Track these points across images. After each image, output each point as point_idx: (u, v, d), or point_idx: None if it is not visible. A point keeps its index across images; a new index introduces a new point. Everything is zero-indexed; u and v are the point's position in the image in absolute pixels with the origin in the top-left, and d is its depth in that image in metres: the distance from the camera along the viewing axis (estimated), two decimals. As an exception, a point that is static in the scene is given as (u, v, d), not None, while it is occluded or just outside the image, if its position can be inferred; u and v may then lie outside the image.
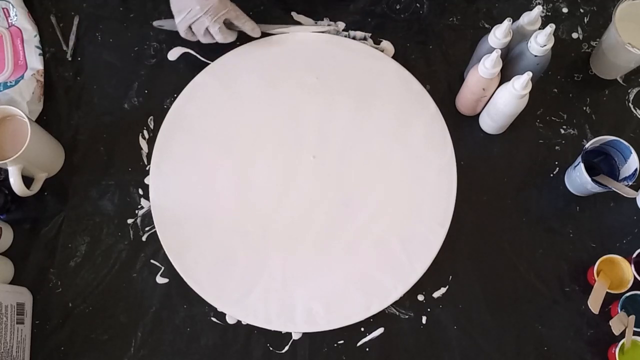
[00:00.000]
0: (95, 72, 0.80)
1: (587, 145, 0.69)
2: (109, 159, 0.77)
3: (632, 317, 0.66)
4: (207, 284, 0.71)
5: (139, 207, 0.75)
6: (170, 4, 0.73)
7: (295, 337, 0.70)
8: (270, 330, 0.70)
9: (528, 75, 0.65)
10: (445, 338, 0.70)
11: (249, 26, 0.76)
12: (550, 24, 0.65)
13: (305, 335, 0.70)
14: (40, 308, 0.71)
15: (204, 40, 0.75)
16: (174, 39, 0.81)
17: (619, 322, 0.66)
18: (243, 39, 0.80)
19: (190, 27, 0.73)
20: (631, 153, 0.68)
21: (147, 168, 0.76)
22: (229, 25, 0.75)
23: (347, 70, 0.78)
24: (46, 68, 0.79)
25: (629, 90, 0.79)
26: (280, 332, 0.70)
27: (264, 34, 0.79)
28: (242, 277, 0.71)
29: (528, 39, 0.68)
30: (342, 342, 0.70)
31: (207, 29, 0.73)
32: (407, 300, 0.71)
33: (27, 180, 0.72)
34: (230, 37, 0.75)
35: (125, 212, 0.74)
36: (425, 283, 0.71)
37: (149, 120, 0.78)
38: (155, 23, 0.80)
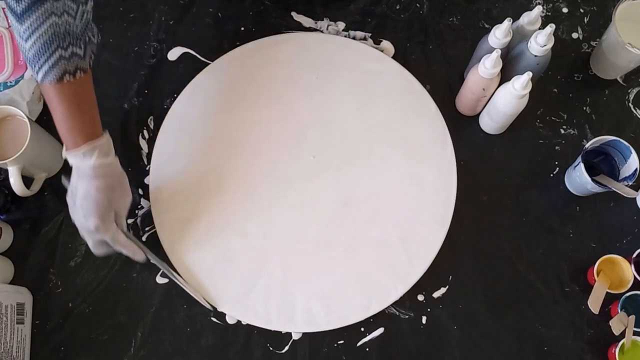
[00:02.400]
0: (95, 72, 0.79)
1: (587, 145, 0.69)
2: (109, 159, 0.76)
3: (632, 317, 0.66)
4: (207, 284, 0.71)
5: (139, 207, 0.75)
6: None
7: (295, 337, 0.70)
8: (270, 330, 0.70)
9: (528, 75, 0.65)
10: (445, 338, 0.70)
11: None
12: (550, 24, 0.65)
13: (305, 335, 0.70)
14: (40, 308, 0.71)
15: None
16: (174, 39, 0.81)
17: (619, 322, 0.65)
18: (243, 39, 0.80)
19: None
20: (631, 153, 0.68)
21: (147, 168, 0.76)
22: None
23: (347, 70, 0.78)
24: (46, 68, 0.79)
25: (629, 90, 0.79)
26: (280, 332, 0.70)
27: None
28: (242, 277, 0.71)
29: (528, 39, 0.68)
30: (342, 342, 0.70)
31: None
32: (407, 300, 0.71)
33: (27, 180, 0.72)
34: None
35: (125, 212, 0.75)
36: (425, 283, 0.71)
37: (149, 120, 0.78)
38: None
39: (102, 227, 0.63)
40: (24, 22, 0.56)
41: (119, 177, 0.65)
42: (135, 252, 0.67)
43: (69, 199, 0.65)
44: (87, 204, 0.62)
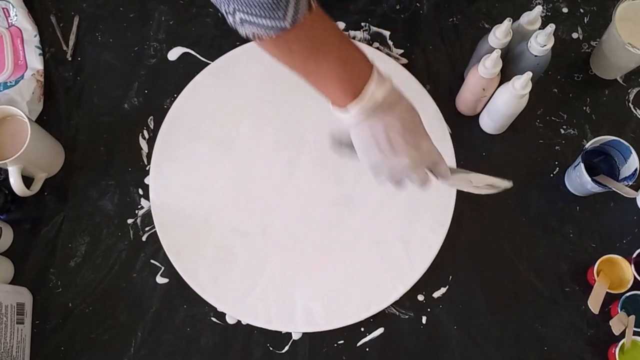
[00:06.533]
0: (95, 72, 0.80)
1: (587, 145, 0.69)
2: (109, 159, 0.77)
3: (632, 317, 0.66)
4: (207, 284, 0.71)
5: (139, 207, 0.75)
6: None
7: (295, 337, 0.70)
8: (270, 330, 0.70)
9: (528, 75, 0.65)
10: (445, 338, 0.70)
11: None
12: (550, 24, 0.65)
13: (305, 335, 0.70)
14: (40, 308, 0.71)
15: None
16: (174, 39, 0.81)
17: (619, 322, 0.66)
18: (243, 39, 0.80)
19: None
20: (631, 153, 0.68)
21: (147, 168, 0.76)
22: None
23: (347, 70, 0.78)
24: (46, 68, 0.79)
25: (629, 90, 0.79)
26: (280, 332, 0.70)
27: None
28: (242, 277, 0.71)
29: (528, 39, 0.68)
30: (342, 342, 0.70)
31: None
32: (407, 300, 0.71)
33: (27, 180, 0.72)
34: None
35: (125, 212, 0.74)
36: (425, 283, 0.71)
37: (149, 120, 0.78)
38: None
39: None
40: None
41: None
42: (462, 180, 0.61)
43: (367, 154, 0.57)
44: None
